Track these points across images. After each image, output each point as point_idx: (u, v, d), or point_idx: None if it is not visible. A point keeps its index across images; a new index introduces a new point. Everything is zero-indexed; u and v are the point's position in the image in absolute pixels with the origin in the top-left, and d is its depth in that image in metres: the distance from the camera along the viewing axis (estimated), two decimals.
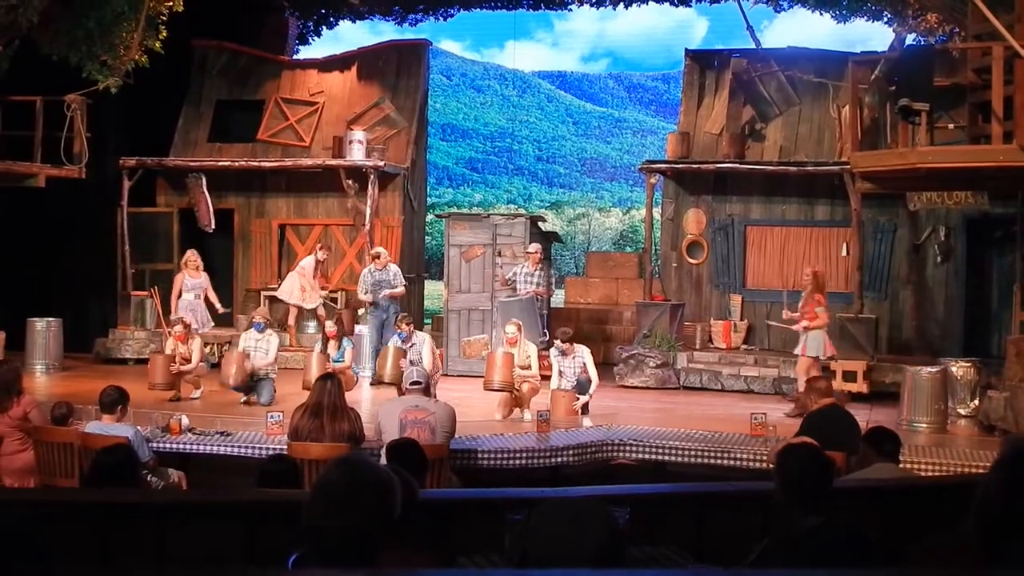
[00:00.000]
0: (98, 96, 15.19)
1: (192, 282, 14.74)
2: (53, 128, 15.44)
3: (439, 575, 1.77)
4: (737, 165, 16.01)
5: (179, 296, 14.76)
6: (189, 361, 12.58)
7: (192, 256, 15.01)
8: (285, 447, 8.46)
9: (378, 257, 14.32)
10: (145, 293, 16.44)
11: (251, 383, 12.31)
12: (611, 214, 39.89)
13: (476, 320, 15.70)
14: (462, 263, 15.86)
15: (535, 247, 14.55)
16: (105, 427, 8.34)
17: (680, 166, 16.42)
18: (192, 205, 17.18)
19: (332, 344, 12.35)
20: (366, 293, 13.84)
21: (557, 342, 11.64)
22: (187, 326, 12.99)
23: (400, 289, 14.17)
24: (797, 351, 12.60)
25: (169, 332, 13.04)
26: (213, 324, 14.93)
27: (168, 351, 12.74)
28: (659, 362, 14.85)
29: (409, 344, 11.94)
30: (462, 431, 9.26)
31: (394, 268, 14.31)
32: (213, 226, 17.12)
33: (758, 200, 16.56)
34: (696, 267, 16.78)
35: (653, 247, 16.72)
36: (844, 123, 15.34)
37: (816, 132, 16.49)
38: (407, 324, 12.19)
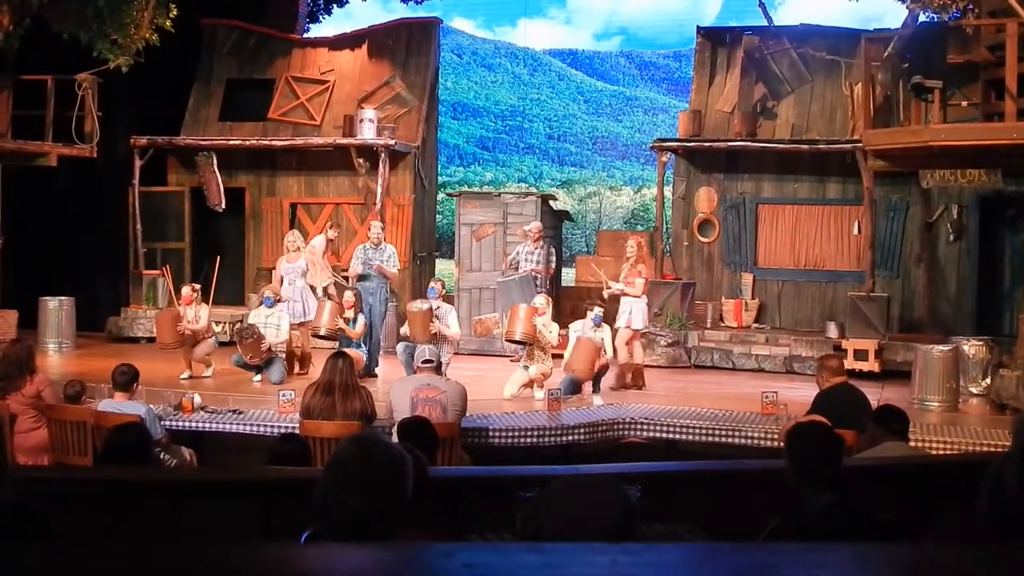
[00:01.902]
0: (109, 75, 15.20)
1: (287, 267, 13.15)
2: (64, 107, 15.47)
3: (451, 548, 1.77)
4: (749, 143, 15.95)
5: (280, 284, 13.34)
6: (198, 324, 12.58)
7: (289, 237, 13.69)
8: (297, 426, 8.48)
9: (377, 232, 13.22)
10: (156, 272, 16.47)
11: (263, 361, 12.34)
12: (622, 193, 39.79)
13: (487, 299, 15.72)
14: (473, 242, 15.86)
15: (535, 226, 14.52)
16: (118, 405, 8.39)
17: (691, 144, 16.36)
18: (203, 184, 17.20)
19: (348, 315, 12.38)
20: (356, 269, 13.02)
21: (591, 317, 11.63)
22: (195, 290, 12.95)
23: (392, 271, 12.97)
24: (621, 323, 12.41)
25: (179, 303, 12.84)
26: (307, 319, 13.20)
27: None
28: (670, 341, 14.84)
29: (436, 307, 11.92)
30: (473, 409, 9.28)
31: (390, 249, 13.17)
32: (224, 205, 17.15)
33: (770, 178, 16.50)
34: (707, 246, 16.74)
35: (664, 226, 16.69)
36: (857, 101, 15.27)
37: (828, 110, 16.42)
38: (441, 284, 12.17)
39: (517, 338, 11.59)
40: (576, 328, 11.74)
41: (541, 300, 11.82)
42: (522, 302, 12.25)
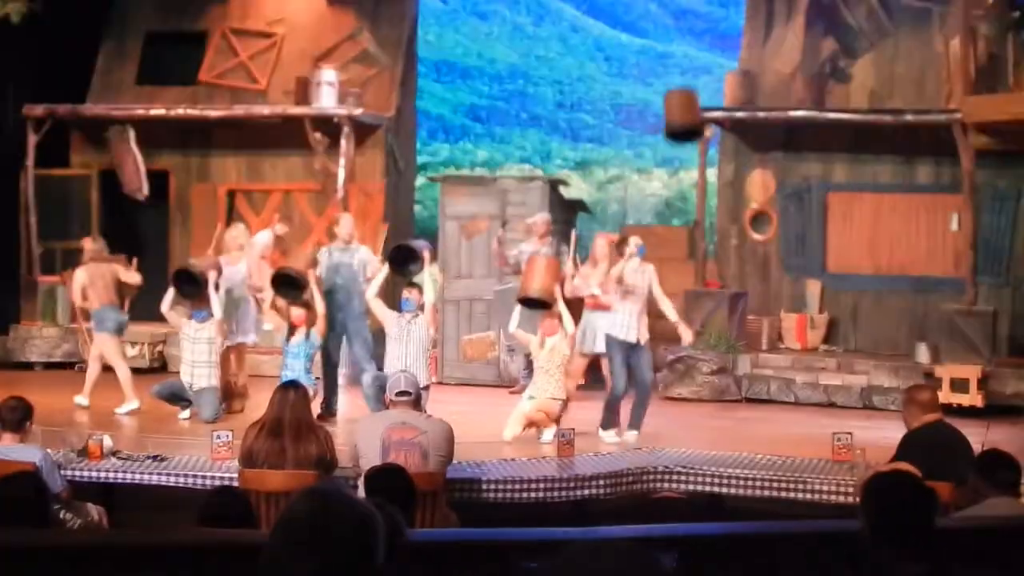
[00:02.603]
0: None
1: (228, 270, 13.05)
2: None
3: None
4: (815, 114, 15.98)
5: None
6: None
7: (232, 232, 13.75)
8: (235, 475, 8.50)
9: (348, 228, 13.11)
10: (56, 278, 16.51)
11: (189, 394, 12.39)
12: (653, 177, 39.70)
13: (480, 313, 15.73)
14: (461, 240, 15.87)
15: (541, 218, 14.54)
16: (6, 450, 8.37)
17: (742, 115, 16.39)
18: (116, 166, 17.23)
19: (298, 334, 12.32)
20: (320, 276, 12.91)
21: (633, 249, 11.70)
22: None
23: (372, 289, 12.35)
24: (588, 344, 12.50)
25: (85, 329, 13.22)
26: (253, 337, 13.55)
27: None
28: (715, 367, 14.85)
29: (412, 316, 11.92)
30: (462, 455, 9.26)
31: (364, 252, 12.99)
32: (144, 192, 17.18)
33: (842, 159, 16.53)
34: (762, 245, 16.77)
35: (707, 219, 16.70)
36: (953, 60, 15.29)
37: (917, 72, 16.45)
38: (418, 292, 12.05)
39: (533, 295, 11.67)
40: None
41: (571, 268, 11.92)
42: (526, 314, 12.25)
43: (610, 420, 11.68)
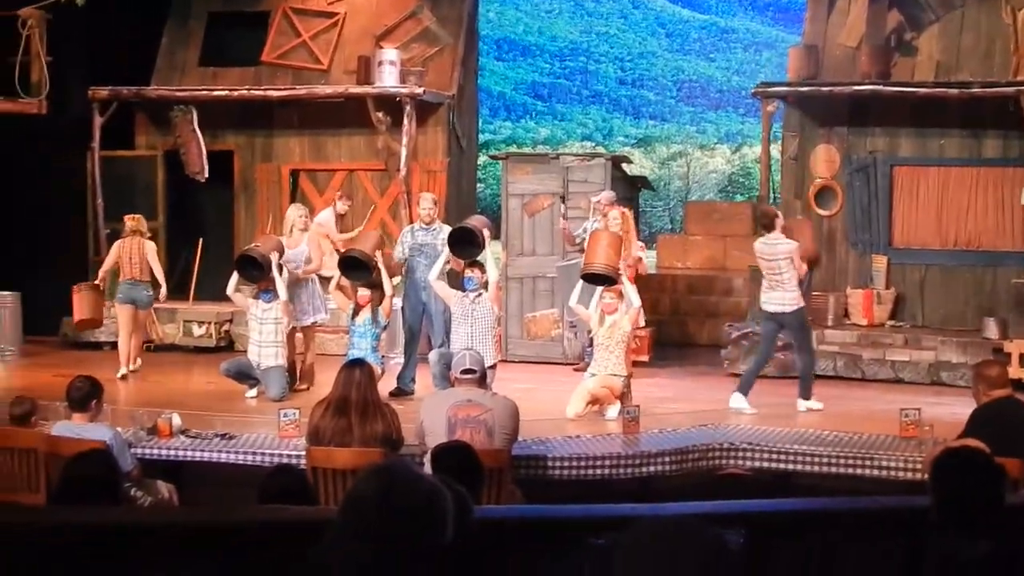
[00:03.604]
0: (61, 10, 15.32)
1: (288, 253, 13.08)
2: (4, 52, 15.59)
3: None
4: (881, 87, 15.82)
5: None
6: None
7: (294, 212, 13.73)
8: (302, 453, 8.57)
9: (428, 206, 13.13)
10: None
11: (256, 372, 12.52)
12: (716, 152, 39.55)
13: (543, 291, 15.72)
14: (524, 218, 15.87)
15: (605, 196, 14.48)
16: (76, 428, 8.49)
17: (806, 89, 16.25)
18: (180, 147, 17.36)
19: (363, 313, 12.42)
20: (402, 255, 13.19)
21: None
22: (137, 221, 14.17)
23: (434, 271, 12.39)
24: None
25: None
26: (323, 316, 13.65)
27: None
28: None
29: (476, 295, 11.98)
30: (527, 432, 9.32)
31: (447, 231, 12.85)
32: (206, 174, 17.33)
33: (908, 133, 16.36)
34: (827, 220, 16.63)
35: (771, 195, 16.60)
36: (1021, 31, 15.08)
37: (983, 43, 16.24)
38: (481, 270, 12.13)
39: (596, 270, 11.67)
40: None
41: (611, 297, 11.80)
42: (588, 293, 12.25)
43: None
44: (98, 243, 17.20)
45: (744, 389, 12.13)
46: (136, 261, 14.07)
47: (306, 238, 13.28)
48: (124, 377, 13.74)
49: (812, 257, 12.99)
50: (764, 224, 12.39)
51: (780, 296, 12.11)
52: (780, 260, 12.04)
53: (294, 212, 13.68)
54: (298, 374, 13.19)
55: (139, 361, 14.30)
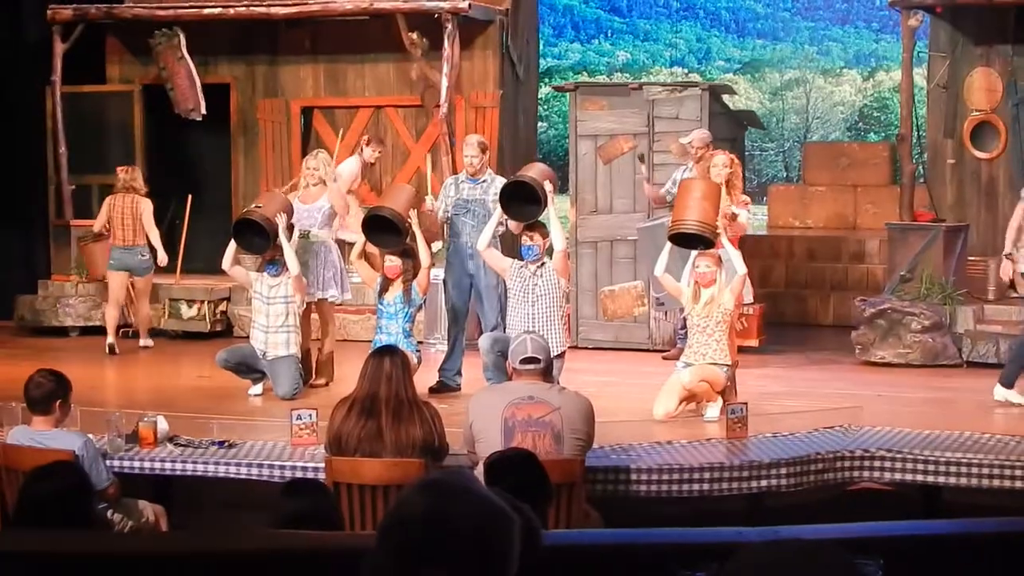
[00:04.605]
0: None
1: (301, 209, 13.14)
2: None
3: None
4: None
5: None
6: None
7: (311, 162, 13.69)
8: (320, 465, 8.61)
9: (472, 152, 13.00)
10: (93, 223, 16.68)
11: (261, 364, 12.57)
12: (843, 79, 39.05)
13: (623, 258, 15.61)
14: (598, 166, 15.83)
15: (698, 135, 14.38)
16: (38, 435, 8.54)
17: None
18: (165, 80, 17.41)
19: (393, 288, 12.37)
20: (444, 215, 13.08)
21: None
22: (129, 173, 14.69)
23: (484, 236, 12.33)
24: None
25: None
26: (337, 293, 13.47)
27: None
28: (926, 323, 14.66)
29: (537, 265, 11.94)
30: (604, 438, 9.32)
31: (500, 182, 12.78)
32: (202, 111, 17.39)
33: None
34: (987, 165, 16.55)
35: (915, 133, 16.50)
36: None
37: None
38: (542, 234, 11.98)
39: (689, 229, 11.61)
40: None
41: (707, 264, 11.74)
42: (680, 260, 12.21)
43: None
44: (61, 202, 17.36)
45: (1010, 379, 12.08)
46: (130, 223, 14.59)
47: (325, 194, 13.19)
48: (112, 349, 14.48)
49: None
50: None
51: None
52: None
53: (313, 163, 13.51)
54: (314, 366, 13.19)
55: (150, 341, 15.10)
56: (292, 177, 13.83)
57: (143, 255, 14.59)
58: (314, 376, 13.12)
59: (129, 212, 14.49)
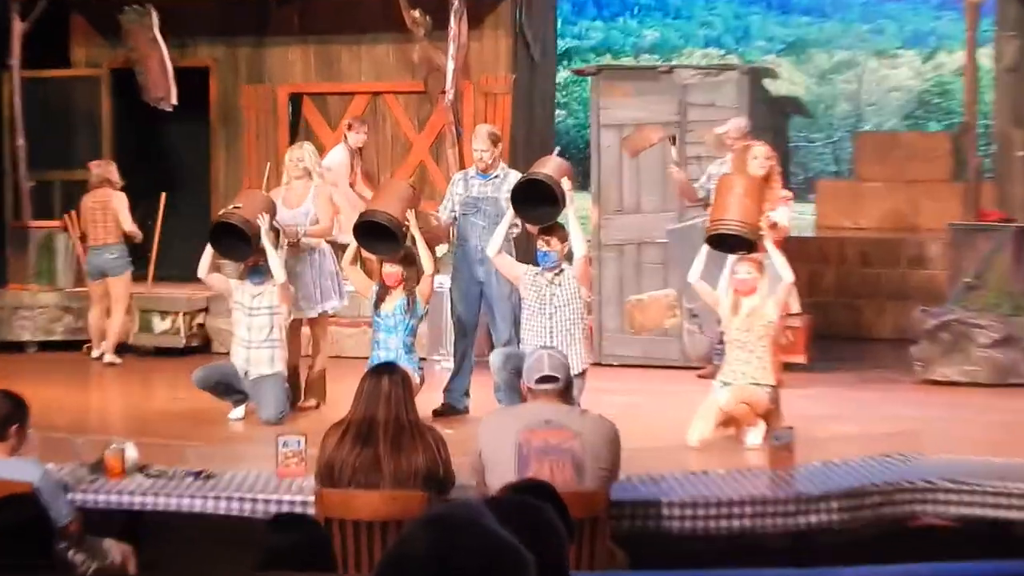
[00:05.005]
0: None
1: (286, 214, 13.12)
2: None
3: None
4: None
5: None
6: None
7: (293, 153, 13.59)
8: (309, 499, 8.57)
9: (482, 146, 12.93)
10: (56, 223, 16.71)
11: (243, 384, 12.50)
12: (900, 61, 39.21)
13: (651, 263, 15.66)
14: (624, 159, 15.76)
15: (734, 125, 14.34)
16: None
17: None
18: (135, 63, 17.45)
19: (392, 297, 12.29)
20: (451, 213, 13.06)
21: None
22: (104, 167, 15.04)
23: (494, 241, 12.27)
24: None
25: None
26: (336, 303, 13.52)
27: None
28: (996, 337, 14.60)
29: (555, 272, 11.83)
30: (632, 467, 9.27)
31: (515, 177, 12.73)
32: (173, 100, 17.36)
33: None
34: None
35: (981, 122, 16.39)
36: None
37: None
38: (559, 237, 11.90)
39: (729, 230, 11.47)
40: None
41: (747, 268, 11.60)
42: (716, 266, 12.07)
43: None
44: (19, 201, 17.35)
45: None
46: (101, 219, 14.86)
47: (312, 191, 13.11)
48: (101, 358, 15.02)
49: None
50: None
51: None
52: None
53: (297, 153, 13.42)
54: (303, 385, 13.21)
55: (117, 358, 15.22)
56: (279, 173, 13.65)
57: (113, 253, 14.73)
58: (303, 397, 13.12)
59: (100, 208, 14.76)
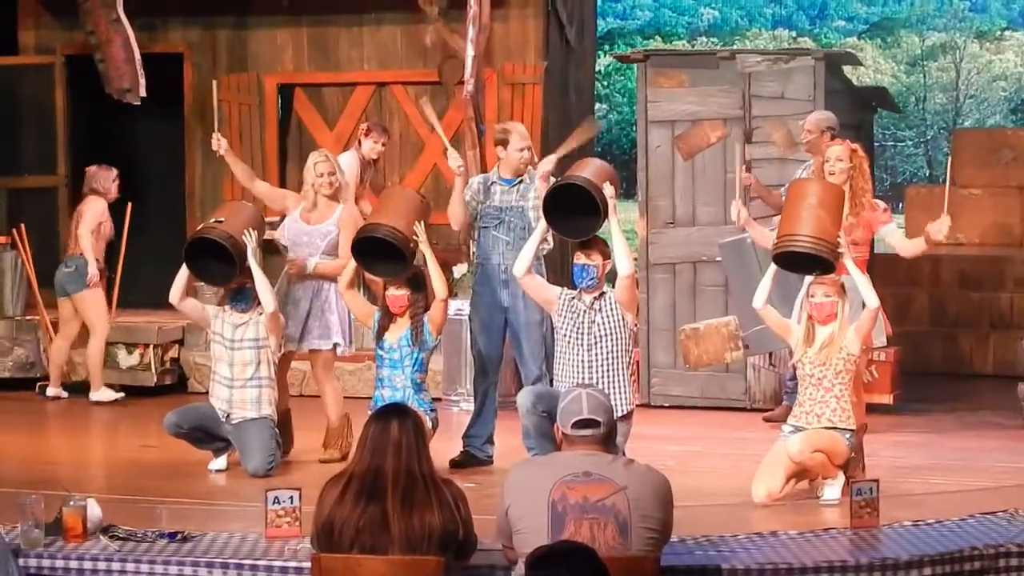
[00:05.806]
0: None
1: (298, 231, 13.30)
2: None
3: None
4: None
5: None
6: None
7: (316, 158, 13.50)
8: (305, 565, 8.71)
9: (505, 145, 12.94)
10: (3, 239, 16.80)
11: (225, 429, 12.60)
12: (1004, 45, 39.14)
13: (710, 285, 15.69)
14: (677, 162, 15.86)
15: (813, 119, 14.40)
16: None
17: None
18: (95, 49, 17.51)
19: (397, 326, 12.34)
20: (473, 222, 13.02)
21: None
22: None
23: (523, 259, 12.08)
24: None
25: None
26: (343, 342, 13.43)
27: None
28: None
29: (595, 295, 11.87)
30: (688, 527, 9.39)
31: (540, 184, 12.71)
32: (141, 92, 17.47)
33: None
34: None
35: None
36: None
37: None
38: (601, 252, 11.86)
39: (803, 248, 11.38)
40: None
41: (825, 292, 11.68)
42: (781, 289, 12.15)
43: None
44: None
45: None
46: (73, 229, 15.47)
47: (337, 211, 13.06)
48: (58, 398, 15.48)
49: None
50: None
51: None
52: None
53: (328, 167, 13.22)
54: (292, 431, 13.27)
55: (63, 392, 15.61)
56: (267, 178, 13.73)
57: (68, 267, 15.06)
58: (324, 447, 13.05)
59: (76, 216, 15.15)
